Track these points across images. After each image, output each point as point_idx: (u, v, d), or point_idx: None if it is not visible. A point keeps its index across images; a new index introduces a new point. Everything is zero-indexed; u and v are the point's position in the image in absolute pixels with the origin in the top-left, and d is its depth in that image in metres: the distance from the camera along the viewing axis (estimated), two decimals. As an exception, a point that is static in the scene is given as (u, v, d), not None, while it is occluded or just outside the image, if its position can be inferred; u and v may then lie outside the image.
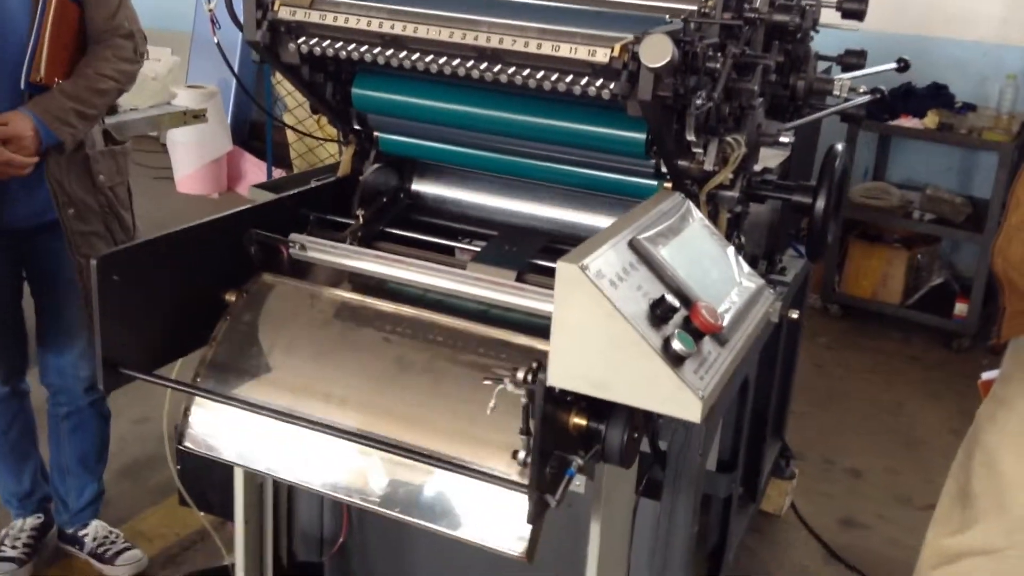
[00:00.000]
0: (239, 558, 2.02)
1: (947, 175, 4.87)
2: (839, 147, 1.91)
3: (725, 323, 1.32)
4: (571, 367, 1.24)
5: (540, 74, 1.54)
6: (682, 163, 1.66)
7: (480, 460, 1.47)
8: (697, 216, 1.56)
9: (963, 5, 4.70)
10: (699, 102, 1.53)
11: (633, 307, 1.22)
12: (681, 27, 1.46)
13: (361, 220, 1.93)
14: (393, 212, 2.00)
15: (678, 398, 1.19)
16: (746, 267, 1.55)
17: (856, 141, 4.64)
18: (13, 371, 2.55)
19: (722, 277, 1.45)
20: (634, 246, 1.33)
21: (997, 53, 4.66)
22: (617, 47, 1.44)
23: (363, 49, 1.67)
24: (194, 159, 5.93)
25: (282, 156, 5.71)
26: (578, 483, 1.72)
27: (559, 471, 1.34)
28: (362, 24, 1.66)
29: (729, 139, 1.67)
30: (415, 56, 1.64)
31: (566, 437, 1.36)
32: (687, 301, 1.30)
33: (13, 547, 2.66)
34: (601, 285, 1.20)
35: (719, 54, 1.56)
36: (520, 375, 1.30)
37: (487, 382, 1.35)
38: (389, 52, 1.66)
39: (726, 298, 1.39)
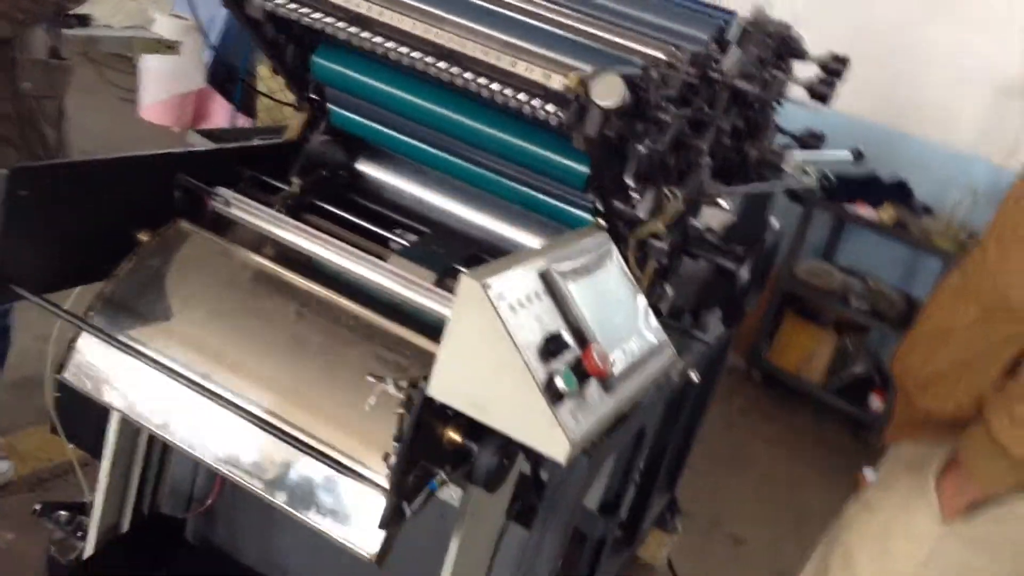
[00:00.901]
0: (98, 499, 1.97)
1: (892, 269, 4.96)
2: (774, 222, 1.93)
3: (615, 370, 1.32)
4: (454, 382, 1.23)
5: (494, 85, 1.54)
6: (618, 204, 1.67)
7: (356, 454, 1.46)
8: (616, 259, 1.56)
9: (944, 108, 4.79)
10: (643, 149, 1.54)
11: (527, 336, 1.21)
12: (639, 72, 1.47)
13: (296, 188, 1.90)
14: (331, 188, 1.98)
15: (549, 435, 1.18)
16: (653, 320, 1.55)
17: (811, 219, 4.71)
18: None
19: (625, 324, 1.45)
20: (544, 276, 1.32)
21: (966, 163, 4.75)
22: (572, 77, 1.43)
23: (327, 20, 1.65)
24: (162, 89, 5.82)
25: (252, 104, 5.63)
26: (453, 495, 1.72)
27: (423, 481, 1.33)
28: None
29: (668, 190, 1.68)
30: (377, 39, 1.62)
31: (438, 450, 1.35)
32: (583, 341, 1.29)
33: None
34: (499, 307, 1.19)
35: (672, 106, 1.57)
36: (404, 382, 1.29)
37: (371, 379, 1.33)
38: (352, 29, 1.64)
39: (623, 346, 1.39)
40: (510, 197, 1.84)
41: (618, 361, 1.34)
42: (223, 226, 1.79)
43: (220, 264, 1.72)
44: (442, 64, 1.57)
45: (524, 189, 1.81)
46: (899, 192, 4.71)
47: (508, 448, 1.32)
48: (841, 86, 2.21)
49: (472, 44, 1.51)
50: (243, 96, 5.40)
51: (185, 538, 2.25)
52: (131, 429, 1.97)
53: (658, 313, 1.92)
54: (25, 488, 2.69)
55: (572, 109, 1.45)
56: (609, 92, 1.36)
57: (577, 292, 1.36)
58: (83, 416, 2.02)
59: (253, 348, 1.62)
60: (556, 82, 1.45)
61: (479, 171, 1.84)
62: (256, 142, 1.99)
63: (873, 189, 4.69)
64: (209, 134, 2.04)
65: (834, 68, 2.15)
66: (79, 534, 2.05)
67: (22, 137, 2.32)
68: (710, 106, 1.79)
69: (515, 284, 1.26)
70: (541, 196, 1.81)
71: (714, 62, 1.72)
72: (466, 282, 1.20)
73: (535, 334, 1.23)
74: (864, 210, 4.63)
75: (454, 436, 1.34)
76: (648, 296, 1.83)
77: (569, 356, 1.26)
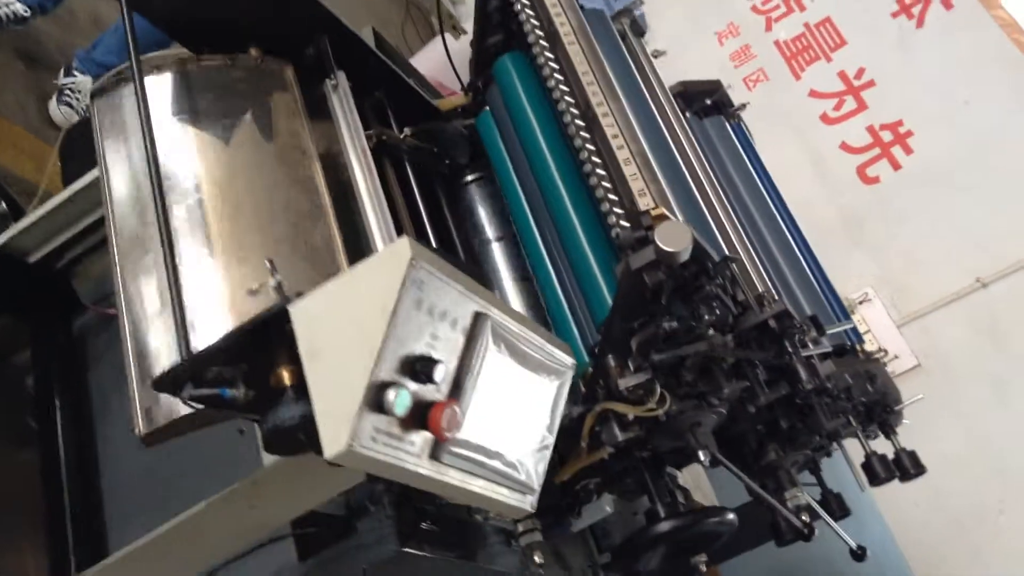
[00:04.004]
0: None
1: None
2: (733, 518, 1.73)
3: (454, 447, 1.17)
4: (316, 315, 1.12)
5: (601, 171, 1.46)
6: (611, 362, 1.53)
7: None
8: (560, 390, 1.40)
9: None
10: (665, 327, 1.41)
11: (407, 336, 1.09)
12: (718, 256, 1.36)
13: (399, 138, 1.88)
14: (425, 164, 1.94)
15: (337, 423, 1.04)
16: (542, 469, 1.37)
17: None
18: None
19: (506, 437, 1.28)
20: (478, 317, 1.20)
21: None
22: (660, 209, 1.35)
23: (533, 22, 1.63)
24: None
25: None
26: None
27: (222, 382, 1.21)
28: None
29: (662, 391, 1.53)
30: (552, 63, 1.59)
31: (263, 375, 1.22)
32: (453, 394, 1.16)
33: None
34: (407, 288, 1.08)
35: (728, 327, 1.45)
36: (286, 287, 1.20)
37: (267, 264, 1.25)
38: (544, 43, 1.61)
39: (485, 441, 1.23)
40: (541, 283, 1.75)
41: (466, 445, 1.19)
42: (318, 106, 1.77)
43: (286, 120, 1.68)
44: (580, 122, 1.52)
45: (556, 286, 1.71)
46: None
47: (310, 423, 1.18)
48: (906, 488, 2.04)
49: (612, 123, 1.45)
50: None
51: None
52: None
53: (571, 507, 1.76)
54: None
55: (635, 234, 1.36)
56: (673, 238, 1.26)
57: (492, 363, 1.22)
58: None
59: (240, 177, 1.57)
60: (644, 203, 1.36)
61: (538, 243, 1.76)
62: (415, 87, 1.97)
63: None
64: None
65: (908, 469, 1.98)
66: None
67: None
68: (767, 371, 1.65)
69: (444, 294, 1.14)
70: (566, 308, 1.71)
71: (796, 334, 1.59)
72: (401, 243, 1.10)
73: (416, 344, 1.11)
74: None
75: (284, 375, 1.22)
76: (572, 482, 1.68)
77: (426, 393, 1.12)
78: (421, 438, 1.14)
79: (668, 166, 1.55)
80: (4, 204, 2.06)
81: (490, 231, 1.95)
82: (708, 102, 2.16)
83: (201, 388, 1.20)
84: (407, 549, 1.68)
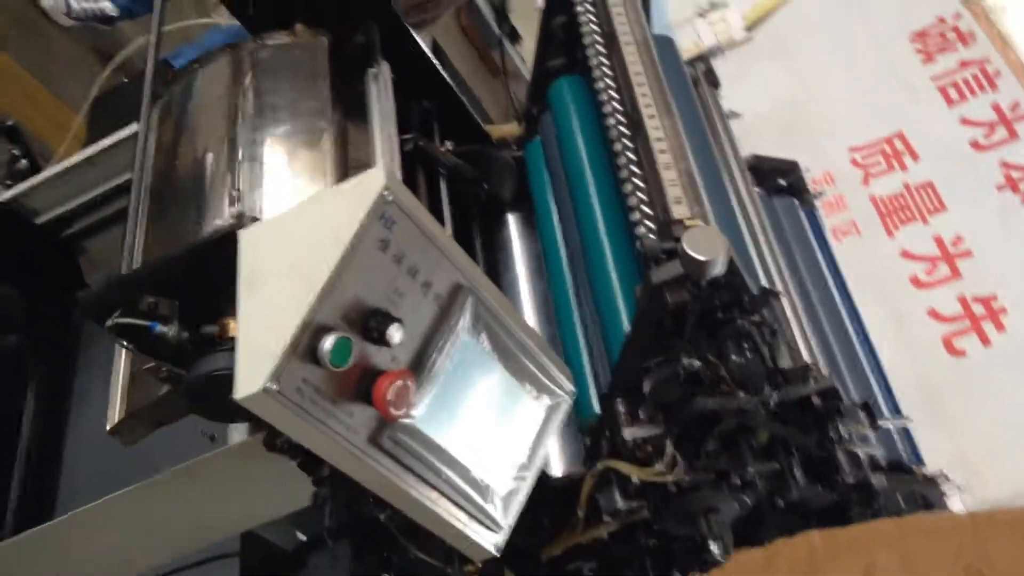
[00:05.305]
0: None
1: None
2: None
3: (403, 434, 0.96)
4: (268, 239, 0.96)
5: (636, 181, 1.29)
6: (621, 407, 1.32)
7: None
8: (555, 420, 1.19)
9: None
10: (684, 364, 1.19)
11: (365, 278, 0.91)
12: (757, 288, 1.16)
13: (439, 149, 1.74)
14: (461, 185, 1.79)
15: (256, 361, 0.86)
16: (515, 508, 1.15)
17: None
18: None
19: (483, 454, 1.07)
20: (458, 290, 1.01)
21: None
22: (696, 220, 1.16)
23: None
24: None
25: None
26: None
27: (152, 313, 1.04)
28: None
29: (675, 454, 1.30)
30: (608, 80, 1.45)
31: (207, 307, 1.06)
32: (412, 368, 0.96)
33: None
34: (372, 223, 0.91)
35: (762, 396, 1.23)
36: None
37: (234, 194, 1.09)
38: (600, 48, 1.47)
39: (455, 445, 1.02)
40: (563, 330, 1.56)
41: (418, 437, 0.99)
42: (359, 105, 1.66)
43: (309, 98, 1.56)
44: (624, 130, 1.36)
45: (579, 335, 1.51)
46: None
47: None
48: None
49: (658, 125, 1.28)
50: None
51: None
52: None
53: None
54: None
55: (663, 245, 1.16)
56: (706, 246, 1.07)
57: (467, 350, 1.03)
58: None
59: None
60: (679, 211, 1.17)
61: (567, 285, 1.58)
62: (467, 105, 1.84)
63: None
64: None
65: None
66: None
67: None
68: (803, 470, 1.41)
69: (420, 247, 0.97)
70: (585, 358, 1.51)
71: (844, 420, 1.35)
72: (375, 171, 0.94)
73: (373, 293, 0.93)
74: None
75: (229, 325, 1.05)
76: (562, 560, 1.45)
77: (377, 359, 0.94)
78: (363, 412, 0.94)
79: (717, 197, 1.37)
80: (26, 160, 1.96)
81: (521, 270, 1.78)
82: (782, 182, 1.98)
83: (131, 316, 1.03)
84: (357, 596, 1.45)
